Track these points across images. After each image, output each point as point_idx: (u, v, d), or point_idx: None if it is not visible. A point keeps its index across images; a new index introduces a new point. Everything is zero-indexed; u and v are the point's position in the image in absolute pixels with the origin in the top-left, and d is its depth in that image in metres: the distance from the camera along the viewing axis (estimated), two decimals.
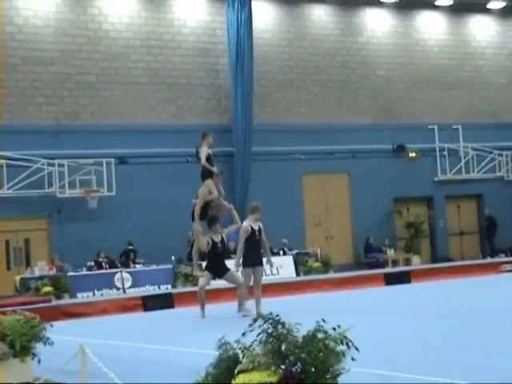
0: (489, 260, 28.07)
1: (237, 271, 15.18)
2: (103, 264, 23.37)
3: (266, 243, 14.88)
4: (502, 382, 6.43)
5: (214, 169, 15.47)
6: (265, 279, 23.25)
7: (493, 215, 30.33)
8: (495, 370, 7.08)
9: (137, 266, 23.67)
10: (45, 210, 24.02)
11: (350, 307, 14.87)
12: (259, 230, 14.55)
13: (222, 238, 14.87)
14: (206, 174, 15.46)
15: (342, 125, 28.66)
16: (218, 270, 14.85)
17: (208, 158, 15.47)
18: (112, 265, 23.44)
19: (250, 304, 14.62)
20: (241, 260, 14.43)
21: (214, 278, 15.36)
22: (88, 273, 22.67)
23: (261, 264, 14.74)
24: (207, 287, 15.50)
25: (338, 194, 28.91)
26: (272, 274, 24.28)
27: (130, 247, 24.21)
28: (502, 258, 27.89)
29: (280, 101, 28.38)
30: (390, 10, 30.65)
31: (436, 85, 31.23)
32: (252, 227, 14.43)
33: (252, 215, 14.64)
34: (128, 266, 23.38)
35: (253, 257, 14.44)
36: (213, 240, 14.72)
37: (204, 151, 15.50)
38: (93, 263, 23.13)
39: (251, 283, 14.77)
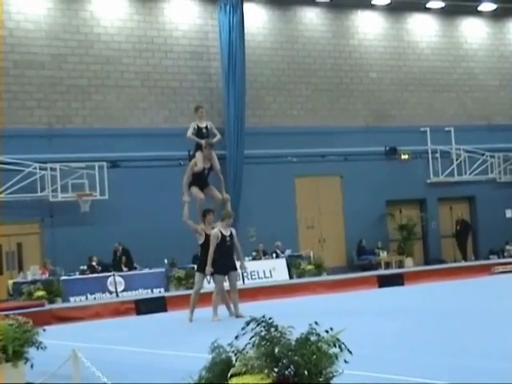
0: (481, 262, 28.09)
1: (208, 280, 15.21)
2: (97, 267, 23.36)
3: (238, 248, 14.98)
4: None
5: (202, 141, 15.36)
6: (258, 282, 23.44)
7: (466, 219, 30.39)
8: (489, 372, 7.08)
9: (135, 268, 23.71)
10: (37, 214, 23.99)
11: (342, 310, 14.86)
12: (230, 235, 14.64)
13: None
14: (195, 147, 15.54)
15: (334, 127, 28.70)
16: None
17: (199, 132, 15.54)
18: (105, 269, 23.41)
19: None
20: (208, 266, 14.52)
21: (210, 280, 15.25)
22: (81, 277, 22.65)
23: (234, 269, 14.86)
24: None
25: (330, 196, 28.95)
26: (265, 277, 24.34)
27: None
28: (494, 260, 27.95)
29: (272, 104, 28.41)
30: (382, 12, 30.71)
31: (428, 87, 31.31)
32: (222, 233, 14.49)
33: (223, 221, 14.69)
34: (120, 270, 23.35)
35: (225, 263, 14.55)
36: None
37: (191, 125, 15.68)
38: (85, 267, 23.10)
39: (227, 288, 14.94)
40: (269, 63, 28.48)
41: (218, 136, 16.08)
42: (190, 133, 15.60)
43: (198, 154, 15.39)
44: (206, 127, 15.73)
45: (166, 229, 24.17)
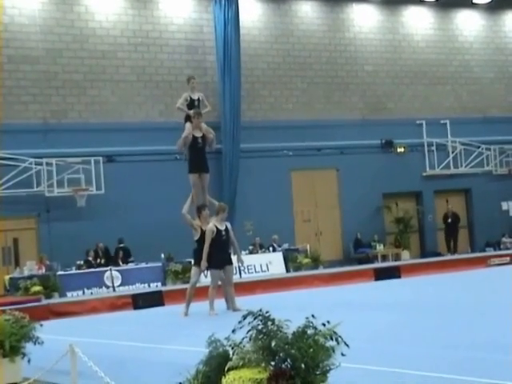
0: (478, 254, 28.14)
1: (205, 274, 15.22)
2: (100, 254, 23.50)
3: (234, 242, 14.94)
4: (493, 376, 6.45)
5: (190, 111, 15.56)
6: (255, 276, 23.45)
7: (456, 211, 30.30)
8: (486, 364, 7.10)
9: (129, 263, 23.67)
10: (33, 209, 23.96)
11: (339, 303, 14.87)
12: (226, 229, 14.60)
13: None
14: (185, 118, 15.73)
15: (329, 121, 28.69)
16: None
17: (191, 103, 15.75)
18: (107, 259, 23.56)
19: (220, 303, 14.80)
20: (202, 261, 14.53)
21: (205, 275, 15.24)
22: (77, 272, 22.61)
23: (230, 263, 14.85)
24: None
25: (326, 189, 28.95)
26: (262, 271, 24.35)
27: (122, 245, 24.17)
28: (491, 252, 28.00)
29: (268, 97, 28.39)
30: (377, 5, 30.69)
31: (423, 80, 31.31)
32: (217, 228, 14.45)
33: (217, 216, 14.65)
34: (118, 265, 23.34)
35: (220, 257, 14.51)
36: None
37: (182, 96, 15.96)
38: (82, 262, 23.09)
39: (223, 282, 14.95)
40: (264, 57, 28.45)
41: (209, 107, 16.47)
42: (179, 103, 15.92)
43: (188, 125, 15.58)
44: (198, 99, 15.99)
45: (162, 223, 24.17)
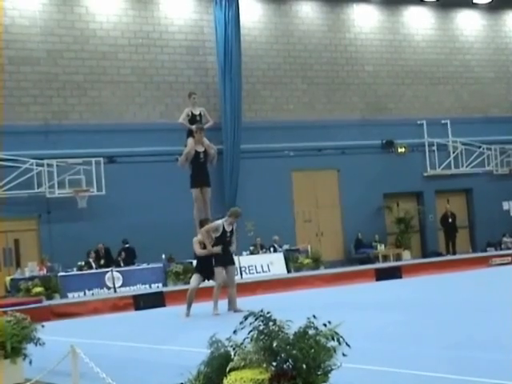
0: (479, 254, 28.12)
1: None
2: (101, 255, 23.52)
3: (234, 244, 15.06)
4: (493, 376, 6.45)
5: (192, 126, 15.68)
6: (256, 276, 23.45)
7: (453, 212, 30.18)
8: (487, 364, 7.09)
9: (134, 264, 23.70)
10: (34, 210, 23.96)
11: (340, 303, 14.88)
12: (231, 231, 14.75)
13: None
14: (187, 133, 15.82)
15: (330, 121, 28.69)
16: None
17: (192, 118, 15.87)
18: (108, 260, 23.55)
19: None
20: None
21: (204, 280, 15.23)
22: (78, 273, 22.61)
23: (232, 263, 15.05)
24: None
25: (327, 190, 28.95)
26: (263, 271, 24.35)
27: (127, 245, 24.14)
28: (492, 252, 27.99)
29: (268, 98, 28.38)
30: (377, 5, 30.68)
31: (424, 80, 31.31)
32: (224, 227, 14.60)
33: (229, 217, 14.75)
34: (119, 266, 23.34)
35: (224, 256, 14.66)
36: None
37: (184, 111, 16.10)
38: (83, 263, 23.08)
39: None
40: (265, 57, 28.45)
41: (211, 122, 16.51)
42: (181, 118, 16.06)
43: (190, 140, 15.63)
44: (200, 114, 16.06)
45: (163, 224, 24.20)
